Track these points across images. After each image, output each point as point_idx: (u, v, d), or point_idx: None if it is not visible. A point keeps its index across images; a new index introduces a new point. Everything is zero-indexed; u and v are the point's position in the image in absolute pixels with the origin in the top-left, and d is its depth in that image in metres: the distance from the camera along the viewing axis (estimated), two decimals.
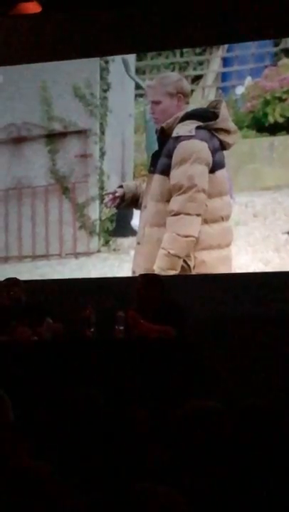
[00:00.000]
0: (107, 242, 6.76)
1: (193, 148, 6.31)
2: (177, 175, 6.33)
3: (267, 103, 6.43)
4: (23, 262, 6.94)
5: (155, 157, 6.49)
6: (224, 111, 6.35)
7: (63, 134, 6.91)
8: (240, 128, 6.43)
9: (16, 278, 5.63)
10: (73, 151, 6.88)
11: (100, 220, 6.78)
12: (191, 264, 6.31)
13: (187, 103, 6.50)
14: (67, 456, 2.67)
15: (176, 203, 6.33)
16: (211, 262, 6.31)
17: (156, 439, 2.64)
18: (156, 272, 6.18)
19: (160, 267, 6.32)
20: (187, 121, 6.37)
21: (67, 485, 2.04)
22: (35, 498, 1.81)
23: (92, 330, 5.08)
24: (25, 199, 6.98)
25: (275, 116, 6.40)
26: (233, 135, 6.36)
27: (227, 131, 6.34)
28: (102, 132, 6.81)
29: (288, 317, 5.94)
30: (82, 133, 6.86)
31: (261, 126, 6.44)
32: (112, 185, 6.74)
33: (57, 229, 6.87)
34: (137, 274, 6.07)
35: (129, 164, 6.79)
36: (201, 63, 6.69)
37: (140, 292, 5.17)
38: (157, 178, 6.42)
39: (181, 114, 6.41)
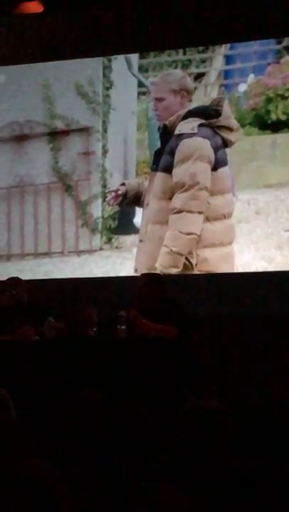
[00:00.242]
0: (109, 240, 6.76)
1: (196, 145, 6.31)
2: (179, 173, 6.33)
3: (269, 100, 6.41)
4: (26, 259, 6.94)
5: (157, 155, 6.49)
6: (227, 108, 6.34)
7: (66, 132, 6.90)
8: (243, 125, 6.42)
9: (18, 278, 5.62)
10: (76, 148, 6.88)
11: (103, 217, 6.77)
12: (194, 261, 6.31)
13: (190, 101, 6.50)
14: (69, 455, 2.68)
15: (179, 200, 6.32)
16: (213, 260, 6.30)
17: (157, 438, 2.65)
18: (158, 270, 6.19)
19: (162, 264, 6.32)
20: (190, 119, 6.37)
21: (68, 484, 2.05)
22: (37, 498, 1.81)
23: (95, 329, 5.08)
24: (28, 197, 6.98)
25: (277, 113, 6.39)
26: (235, 132, 6.35)
27: (229, 129, 6.33)
28: (105, 130, 6.81)
29: None
30: (84, 131, 6.85)
31: (264, 123, 6.43)
32: (114, 183, 6.73)
33: (59, 227, 6.86)
34: (139, 272, 6.07)
35: (132, 162, 6.78)
36: (203, 61, 6.69)
37: (141, 292, 5.16)
38: (160, 175, 6.42)
39: (183, 111, 6.41)
